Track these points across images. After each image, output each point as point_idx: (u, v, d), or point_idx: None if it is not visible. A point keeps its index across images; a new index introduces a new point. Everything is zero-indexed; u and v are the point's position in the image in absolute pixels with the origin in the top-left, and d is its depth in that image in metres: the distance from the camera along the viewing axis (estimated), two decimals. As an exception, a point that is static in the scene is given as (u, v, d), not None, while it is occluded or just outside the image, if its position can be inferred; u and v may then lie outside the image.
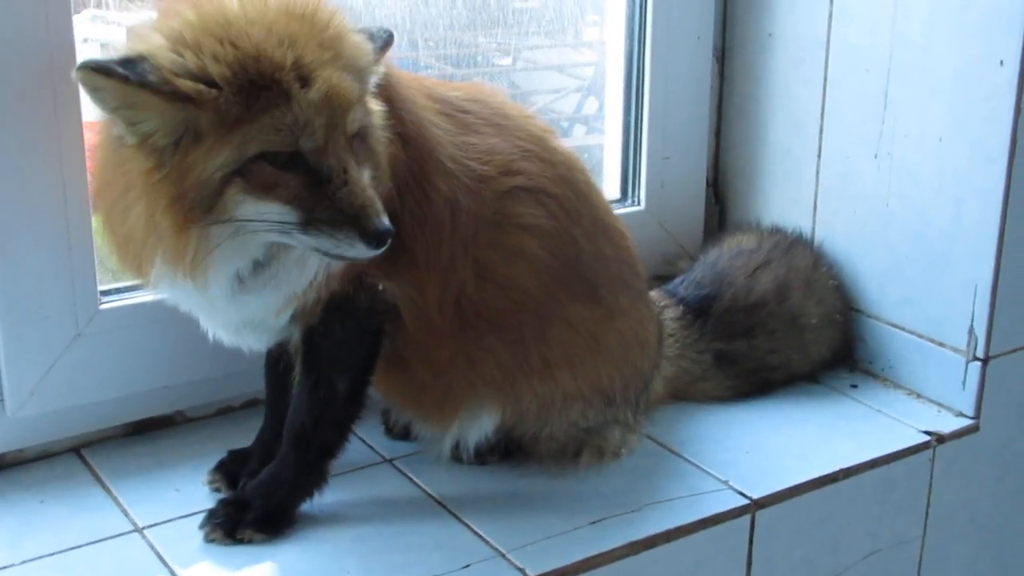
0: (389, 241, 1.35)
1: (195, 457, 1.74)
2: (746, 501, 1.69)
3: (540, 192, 1.64)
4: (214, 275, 1.39)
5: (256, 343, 1.60)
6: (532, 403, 1.67)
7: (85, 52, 1.63)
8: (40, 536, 1.56)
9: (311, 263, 1.44)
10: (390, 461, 1.77)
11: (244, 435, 1.74)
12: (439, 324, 1.59)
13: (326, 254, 1.37)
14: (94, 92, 1.29)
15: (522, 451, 1.75)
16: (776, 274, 2.01)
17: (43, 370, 1.66)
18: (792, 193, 2.16)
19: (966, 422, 1.93)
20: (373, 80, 1.45)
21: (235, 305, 1.47)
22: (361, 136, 1.40)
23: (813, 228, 2.13)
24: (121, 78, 1.27)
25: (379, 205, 1.35)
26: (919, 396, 2.00)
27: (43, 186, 1.59)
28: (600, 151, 2.31)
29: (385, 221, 1.34)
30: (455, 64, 2.17)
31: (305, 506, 1.60)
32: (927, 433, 1.89)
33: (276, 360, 1.67)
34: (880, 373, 2.06)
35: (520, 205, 1.63)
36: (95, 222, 1.62)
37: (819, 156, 2.10)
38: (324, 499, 1.61)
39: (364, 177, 1.38)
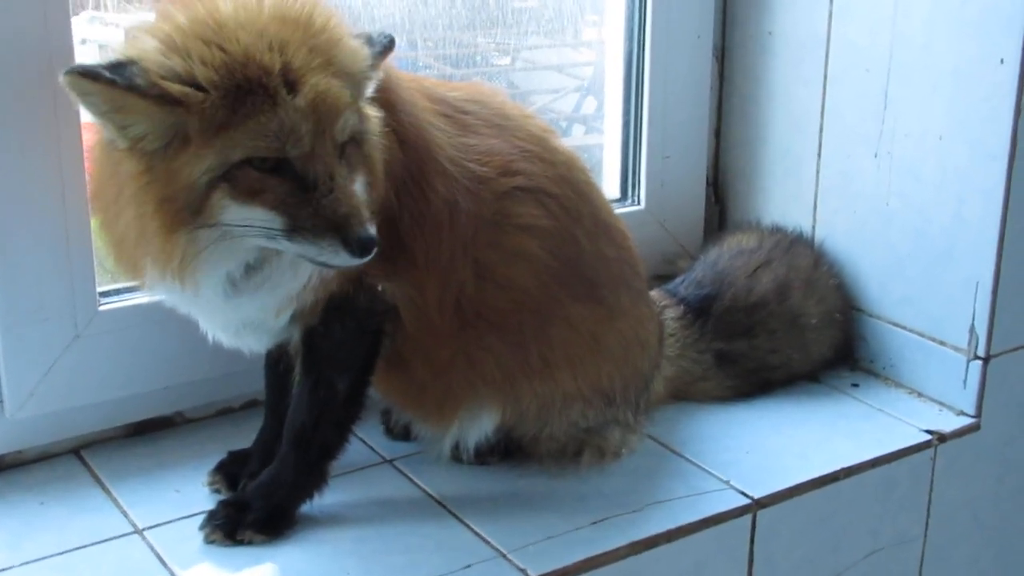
0: (374, 250, 1.34)
1: (195, 458, 1.73)
2: (747, 501, 1.69)
3: (540, 192, 1.64)
4: (203, 278, 1.38)
5: (256, 344, 1.59)
6: (532, 403, 1.67)
7: (83, 53, 1.63)
8: (40, 537, 1.55)
9: (304, 267, 1.44)
10: (390, 462, 1.77)
11: (244, 436, 1.74)
12: (439, 324, 1.59)
13: (311, 261, 1.37)
14: (83, 97, 1.29)
15: (522, 451, 1.75)
16: (777, 273, 2.01)
17: (42, 371, 1.66)
18: (792, 192, 2.16)
19: (967, 421, 1.93)
20: (370, 86, 1.44)
21: (230, 307, 1.47)
22: (356, 142, 1.40)
23: (813, 227, 2.13)
24: (108, 82, 1.27)
25: (365, 214, 1.35)
26: (920, 395, 2.00)
27: (42, 187, 1.59)
28: (599, 151, 2.31)
29: (370, 230, 1.33)
30: (454, 64, 2.17)
31: (305, 507, 1.60)
32: (928, 432, 1.89)
33: (276, 361, 1.67)
34: (881, 372, 2.06)
35: (520, 205, 1.62)
36: (93, 223, 1.61)
37: (819, 155, 2.10)
38: (324, 500, 1.61)
39: (353, 184, 1.37)
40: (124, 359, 1.73)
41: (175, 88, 1.27)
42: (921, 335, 1.98)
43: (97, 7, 1.88)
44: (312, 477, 1.59)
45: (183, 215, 1.32)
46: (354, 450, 1.68)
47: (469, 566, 1.51)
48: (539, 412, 1.68)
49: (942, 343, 1.95)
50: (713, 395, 1.96)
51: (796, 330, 2.00)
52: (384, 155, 1.47)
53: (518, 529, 1.58)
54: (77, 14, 1.63)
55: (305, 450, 1.58)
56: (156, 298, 1.56)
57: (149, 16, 1.39)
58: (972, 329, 1.90)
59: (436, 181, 1.55)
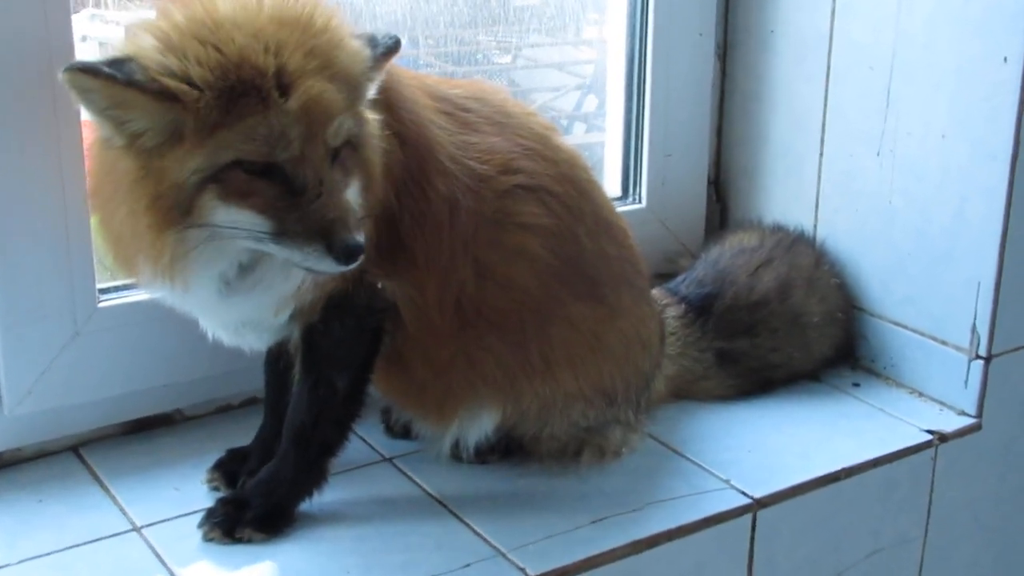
0: (360, 257, 1.33)
1: (194, 456, 1.73)
2: (748, 500, 1.68)
3: (541, 190, 1.63)
4: (193, 277, 1.38)
5: (256, 342, 1.59)
6: (533, 402, 1.67)
7: (83, 51, 1.62)
8: (38, 535, 1.55)
9: (296, 269, 1.43)
10: (390, 460, 1.77)
11: (243, 434, 1.73)
12: (439, 323, 1.58)
13: (297, 266, 1.36)
14: (83, 93, 1.29)
15: (523, 450, 1.74)
16: (778, 272, 2.00)
17: (41, 368, 1.66)
18: (794, 191, 2.16)
19: (968, 421, 1.92)
20: (372, 88, 1.43)
21: (226, 307, 1.47)
22: (353, 145, 1.39)
23: (815, 226, 2.12)
24: (108, 78, 1.26)
25: (352, 220, 1.34)
26: (921, 395, 1.99)
27: (42, 185, 1.59)
28: (600, 149, 2.31)
29: (356, 237, 1.32)
30: (455, 62, 2.16)
31: (304, 505, 1.59)
32: (929, 432, 1.88)
33: (276, 358, 1.67)
34: (882, 372, 2.05)
35: (521, 204, 1.62)
36: (93, 220, 1.61)
37: (821, 153, 2.09)
38: (324, 498, 1.60)
39: (345, 189, 1.37)
40: (123, 356, 1.72)
41: (174, 84, 1.27)
42: (923, 334, 1.97)
43: (97, 4, 1.88)
44: (311, 475, 1.59)
45: (173, 214, 1.32)
46: (354, 448, 1.68)
47: (468, 565, 1.50)
48: (540, 411, 1.68)
49: (943, 343, 1.94)
50: (714, 394, 1.96)
51: (797, 329, 2.00)
52: (384, 154, 1.46)
53: (518, 528, 1.58)
54: (77, 12, 1.63)
55: (305, 448, 1.57)
56: (155, 296, 1.55)
57: (149, 13, 1.39)
58: (974, 329, 1.89)
59: (437, 179, 1.55)
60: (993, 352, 1.90)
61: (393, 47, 1.44)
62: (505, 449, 1.74)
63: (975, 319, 1.89)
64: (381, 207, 1.48)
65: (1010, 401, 1.96)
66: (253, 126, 1.29)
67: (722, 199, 2.34)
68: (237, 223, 1.32)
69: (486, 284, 1.60)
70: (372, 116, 1.44)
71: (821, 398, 1.99)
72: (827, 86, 2.06)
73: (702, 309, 1.97)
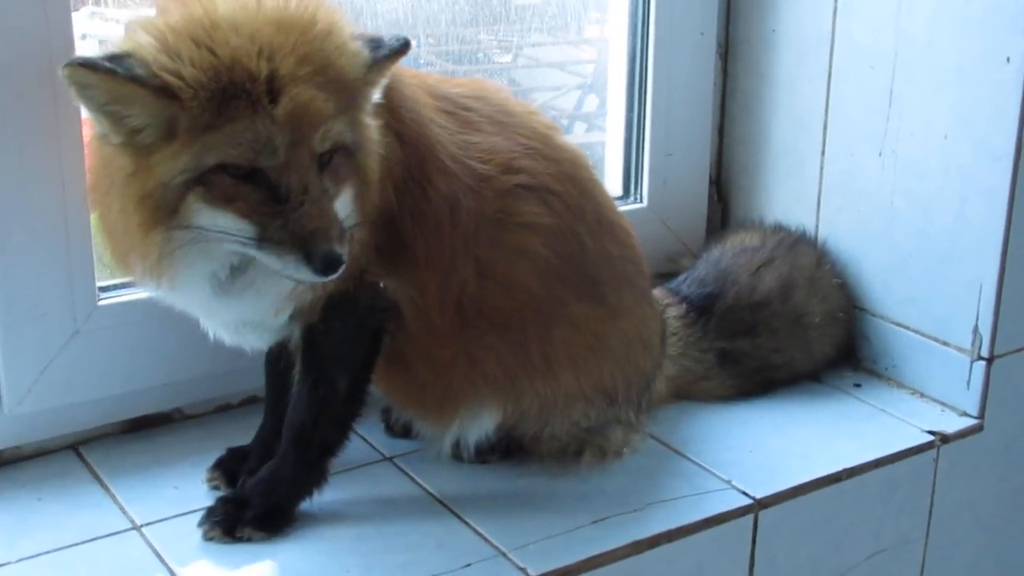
0: (341, 269, 1.32)
1: (194, 455, 1.73)
2: (749, 501, 1.68)
3: (543, 190, 1.63)
4: (181, 277, 1.38)
5: (258, 342, 1.59)
6: (534, 402, 1.66)
7: (83, 49, 1.62)
8: (37, 534, 1.55)
9: None
10: (390, 459, 1.76)
11: (243, 433, 1.73)
12: (440, 323, 1.58)
13: (277, 273, 1.36)
14: (82, 89, 1.28)
15: (523, 450, 1.74)
16: (780, 272, 2.00)
17: (41, 367, 1.65)
18: (796, 190, 2.15)
19: (970, 422, 1.92)
20: (374, 92, 1.42)
21: (223, 307, 1.47)
22: (348, 151, 1.38)
23: (817, 226, 2.12)
24: (108, 72, 1.26)
25: (335, 231, 1.32)
26: (923, 396, 1.99)
27: (42, 183, 1.58)
28: (600, 148, 2.30)
29: (336, 249, 1.31)
30: (456, 60, 2.16)
31: (305, 504, 1.59)
32: (931, 433, 1.88)
33: (276, 357, 1.66)
34: (884, 372, 2.05)
35: (522, 203, 1.61)
36: (92, 217, 1.61)
37: (823, 153, 2.09)
38: (324, 497, 1.60)
39: (333, 197, 1.36)
40: (123, 355, 1.72)
41: (173, 80, 1.27)
42: (924, 335, 1.97)
43: (97, 2, 1.88)
44: (312, 474, 1.59)
45: (160, 214, 1.32)
46: (354, 447, 1.67)
47: (469, 565, 1.50)
48: (540, 411, 1.68)
49: (945, 343, 1.94)
50: (715, 394, 1.96)
51: (799, 329, 1.99)
52: (384, 154, 1.45)
53: (519, 528, 1.58)
54: (77, 9, 1.62)
55: (305, 447, 1.57)
56: (154, 294, 1.55)
57: (150, 11, 1.39)
58: (976, 330, 1.89)
59: (437, 179, 1.54)
60: (995, 353, 1.89)
61: (399, 49, 1.42)
62: (506, 449, 1.74)
63: (977, 320, 1.88)
64: (381, 208, 1.48)
65: (1012, 402, 1.96)
66: (239, 130, 1.28)
67: (723, 199, 2.34)
68: (221, 227, 1.32)
69: (487, 284, 1.59)
70: (372, 121, 1.43)
71: (822, 399, 1.99)
72: (829, 86, 2.05)
73: (703, 309, 1.97)
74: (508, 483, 1.70)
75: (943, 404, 1.96)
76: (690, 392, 1.95)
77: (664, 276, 2.09)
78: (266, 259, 1.33)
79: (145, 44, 1.29)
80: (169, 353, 1.75)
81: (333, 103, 1.33)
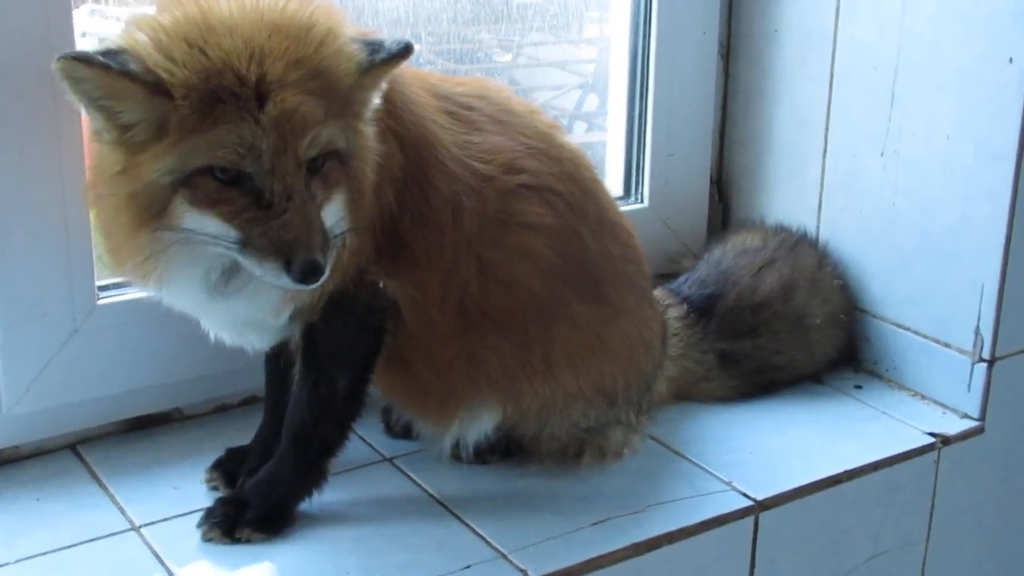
0: (322, 277, 1.32)
1: (193, 455, 1.72)
2: (750, 502, 1.68)
3: (545, 190, 1.62)
4: (169, 277, 1.38)
5: (259, 342, 1.58)
6: (533, 402, 1.66)
7: (84, 46, 1.61)
8: (36, 534, 1.54)
9: None
10: (390, 460, 1.76)
11: (243, 433, 1.73)
12: (441, 323, 1.57)
13: (258, 279, 1.35)
14: (76, 83, 1.28)
15: (523, 451, 1.74)
16: (781, 273, 2.00)
17: (40, 366, 1.65)
18: (797, 191, 2.15)
19: (971, 424, 1.91)
20: (372, 96, 1.41)
21: (219, 308, 1.47)
22: (340, 157, 1.37)
23: (818, 226, 2.12)
24: (102, 66, 1.26)
25: (317, 239, 1.32)
26: (924, 397, 1.98)
27: (42, 182, 1.58)
28: (601, 148, 2.30)
29: (316, 258, 1.31)
30: (457, 59, 2.16)
31: (304, 505, 1.59)
32: (932, 435, 1.88)
33: (276, 357, 1.66)
34: (885, 374, 2.05)
35: (524, 203, 1.61)
36: (92, 216, 1.61)
37: (825, 154, 2.08)
38: (323, 498, 1.60)
39: (321, 204, 1.35)
40: (122, 354, 1.72)
41: (167, 77, 1.27)
42: (925, 337, 1.97)
43: (97, 0, 1.87)
44: (311, 475, 1.58)
45: (147, 214, 1.32)
46: (354, 448, 1.67)
47: (469, 566, 1.50)
48: (540, 411, 1.67)
49: (947, 345, 1.94)
50: (716, 395, 1.95)
51: (800, 330, 1.99)
52: (383, 157, 1.45)
53: (518, 529, 1.57)
54: (78, 7, 1.62)
55: (304, 447, 1.57)
56: (151, 294, 1.55)
57: (149, 9, 1.38)
58: (977, 331, 1.88)
59: (438, 179, 1.54)
60: (996, 355, 1.89)
61: (399, 53, 1.39)
62: (505, 449, 1.74)
63: (979, 321, 1.88)
64: (381, 209, 1.47)
65: (1013, 404, 1.95)
66: (225, 134, 1.28)
67: (725, 199, 2.33)
68: (206, 229, 1.32)
69: (489, 284, 1.59)
70: (370, 127, 1.42)
71: (823, 400, 1.98)
72: (831, 86, 2.05)
73: (704, 310, 1.96)
74: (508, 484, 1.69)
75: (944, 406, 1.95)
76: (691, 393, 1.95)
77: (665, 277, 2.08)
78: (248, 264, 1.33)
79: (140, 41, 1.29)
80: (169, 353, 1.75)
81: (324, 108, 1.33)
